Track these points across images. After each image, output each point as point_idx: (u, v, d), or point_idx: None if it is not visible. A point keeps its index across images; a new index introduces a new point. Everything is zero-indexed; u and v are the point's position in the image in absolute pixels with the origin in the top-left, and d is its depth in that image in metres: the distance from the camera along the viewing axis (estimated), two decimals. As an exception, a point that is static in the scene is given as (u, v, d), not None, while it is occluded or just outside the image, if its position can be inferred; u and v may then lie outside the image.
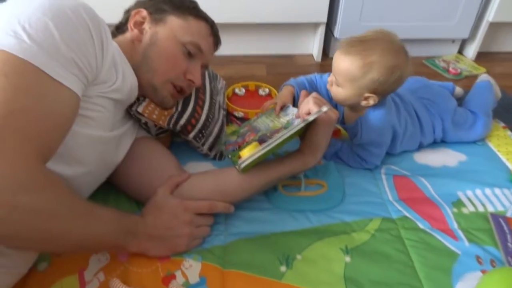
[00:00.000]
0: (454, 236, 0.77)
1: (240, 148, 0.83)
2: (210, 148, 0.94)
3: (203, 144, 0.93)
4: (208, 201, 0.74)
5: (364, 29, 0.86)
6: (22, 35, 0.49)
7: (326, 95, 0.95)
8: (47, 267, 0.68)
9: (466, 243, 0.76)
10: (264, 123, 0.89)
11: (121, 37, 0.80)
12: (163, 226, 0.69)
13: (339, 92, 0.85)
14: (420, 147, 1.00)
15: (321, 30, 1.50)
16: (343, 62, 0.81)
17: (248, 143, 0.83)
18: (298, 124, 0.71)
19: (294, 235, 0.76)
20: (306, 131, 0.78)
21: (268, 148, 0.69)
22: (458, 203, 0.85)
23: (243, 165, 0.69)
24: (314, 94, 0.78)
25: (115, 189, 0.82)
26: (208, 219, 0.75)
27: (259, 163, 0.76)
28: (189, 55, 0.79)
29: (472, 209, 0.83)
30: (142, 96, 0.82)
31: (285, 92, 0.97)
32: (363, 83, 0.80)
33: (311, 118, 0.71)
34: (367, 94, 0.82)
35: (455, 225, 0.80)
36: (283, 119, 0.85)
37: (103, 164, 0.73)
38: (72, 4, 0.55)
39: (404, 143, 0.96)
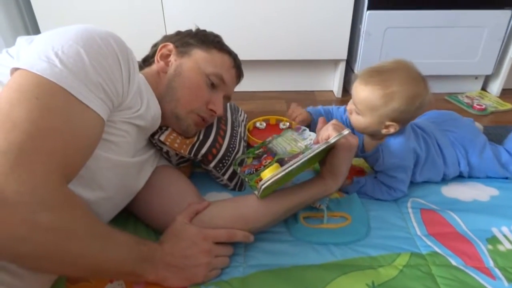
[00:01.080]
0: (491, 275, 0.71)
1: (258, 171, 0.82)
2: (230, 179, 0.93)
3: (223, 174, 0.92)
4: (227, 229, 0.72)
5: None
6: (55, 60, 0.52)
7: (344, 124, 0.94)
8: (62, 295, 0.67)
9: (505, 283, 0.69)
10: (280, 145, 0.88)
11: (147, 69, 0.83)
12: (181, 254, 0.67)
13: (359, 120, 0.85)
14: (445, 179, 0.97)
15: (342, 67, 1.53)
16: (363, 92, 0.81)
17: (266, 167, 0.82)
18: (319, 146, 0.70)
19: (316, 269, 0.72)
20: (326, 156, 0.77)
21: (290, 169, 0.68)
22: (493, 240, 0.79)
23: (264, 186, 0.67)
24: (333, 121, 0.77)
25: (134, 217, 0.82)
26: (227, 249, 0.73)
27: (278, 189, 0.75)
28: (212, 86, 0.81)
29: (509, 246, 0.78)
30: (165, 126, 0.83)
31: (304, 112, 0.98)
32: (384, 112, 0.80)
33: (332, 140, 0.70)
34: (388, 123, 0.82)
35: (491, 263, 0.74)
36: (301, 144, 0.84)
37: (123, 190, 0.73)
38: (103, 33, 0.59)
39: (425, 170, 0.93)
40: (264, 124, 1.28)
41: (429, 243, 0.79)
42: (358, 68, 1.49)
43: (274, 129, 1.27)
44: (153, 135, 0.82)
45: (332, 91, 1.63)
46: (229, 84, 0.85)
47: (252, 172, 0.82)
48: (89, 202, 0.64)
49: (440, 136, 0.96)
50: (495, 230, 0.82)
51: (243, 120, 1.17)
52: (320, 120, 0.81)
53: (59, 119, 0.51)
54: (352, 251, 0.77)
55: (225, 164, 0.92)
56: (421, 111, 0.83)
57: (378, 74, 0.81)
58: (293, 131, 0.91)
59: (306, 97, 1.57)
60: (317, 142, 0.78)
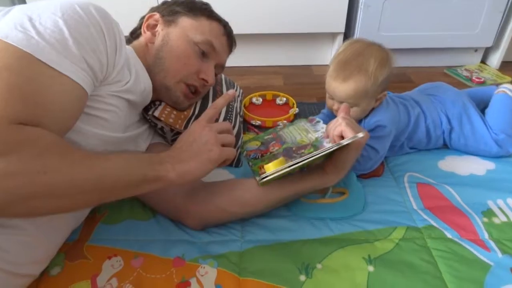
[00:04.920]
0: (485, 247, 0.72)
1: (263, 157, 0.81)
2: (227, 155, 0.92)
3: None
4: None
5: (382, 39, 0.90)
6: (31, 31, 0.49)
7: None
8: (59, 272, 0.67)
9: (499, 254, 0.70)
10: (290, 134, 0.87)
11: (135, 42, 0.81)
12: (186, 143, 0.63)
13: (354, 112, 0.86)
14: (430, 144, 0.97)
15: (339, 40, 1.49)
16: (348, 87, 0.82)
17: (272, 154, 0.81)
18: (330, 147, 0.68)
19: (313, 243, 0.73)
20: (333, 151, 0.76)
21: (295, 166, 0.67)
22: (488, 213, 0.80)
23: (265, 179, 0.67)
24: (345, 115, 0.75)
25: (130, 197, 0.81)
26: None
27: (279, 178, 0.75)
28: (203, 55, 0.79)
29: (504, 219, 0.78)
30: (158, 100, 0.82)
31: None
32: (375, 89, 0.83)
33: (345, 142, 0.68)
34: (380, 95, 0.86)
35: (486, 235, 0.74)
36: (312, 135, 0.83)
37: None
38: (85, 4, 0.56)
39: (411, 135, 0.94)
40: (261, 100, 1.26)
41: (425, 216, 0.79)
42: (356, 41, 1.45)
43: (270, 104, 1.26)
44: (146, 111, 0.81)
45: (329, 65, 1.60)
46: (220, 52, 0.82)
47: (257, 157, 0.81)
48: None
49: (420, 98, 0.98)
50: (490, 203, 0.82)
51: (238, 95, 1.15)
52: (343, 107, 0.77)
53: (24, 79, 0.47)
54: (349, 226, 0.77)
55: (221, 140, 0.91)
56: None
57: (351, 63, 0.82)
58: (307, 121, 0.90)
59: (303, 72, 1.54)
60: (327, 136, 0.76)
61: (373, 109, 0.89)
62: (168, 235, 0.75)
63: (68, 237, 0.69)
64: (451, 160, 0.96)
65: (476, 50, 1.57)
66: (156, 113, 0.80)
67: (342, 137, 0.71)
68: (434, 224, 0.77)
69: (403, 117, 0.93)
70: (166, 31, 0.78)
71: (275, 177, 0.68)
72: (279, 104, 1.25)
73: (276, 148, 0.83)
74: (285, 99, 1.26)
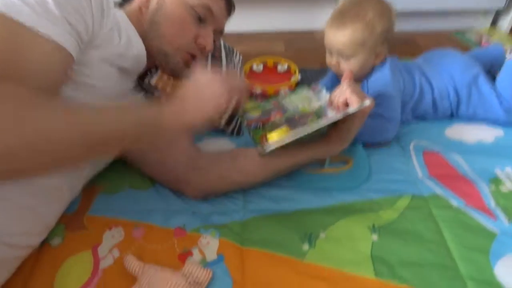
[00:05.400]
0: (491, 215, 0.71)
1: (264, 126, 0.78)
2: (228, 123, 0.90)
3: (219, 118, 0.88)
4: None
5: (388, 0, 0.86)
6: None
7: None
8: (60, 243, 0.66)
9: (506, 222, 0.69)
10: (293, 103, 0.83)
11: (128, 7, 0.76)
12: (189, 90, 0.58)
13: (351, 64, 0.84)
14: (437, 114, 0.94)
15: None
16: (344, 35, 0.81)
17: (274, 123, 0.78)
18: (336, 116, 0.65)
19: (317, 213, 0.72)
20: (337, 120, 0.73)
21: (299, 136, 0.64)
22: (495, 181, 0.78)
23: (269, 150, 0.64)
24: (349, 82, 0.71)
25: (130, 168, 0.79)
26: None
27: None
28: (200, 20, 0.74)
29: (511, 187, 0.77)
30: (154, 67, 0.78)
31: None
32: (373, 41, 0.82)
33: (351, 111, 0.65)
34: (379, 49, 0.84)
35: (493, 204, 0.73)
36: (315, 104, 0.80)
37: None
38: None
39: (417, 105, 0.92)
40: (261, 67, 1.21)
41: (430, 185, 0.77)
42: (361, 4, 1.39)
43: (271, 71, 1.22)
44: (142, 78, 0.77)
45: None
46: (219, 17, 0.77)
47: (258, 126, 0.79)
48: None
49: (426, 68, 0.94)
50: (498, 171, 0.80)
51: (238, 62, 1.10)
52: (346, 72, 0.74)
53: (1, 40, 0.44)
54: (353, 195, 0.75)
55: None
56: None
57: (348, 12, 0.82)
58: (309, 89, 0.86)
59: (305, 37, 1.48)
60: (330, 105, 0.73)
61: (373, 69, 0.87)
62: (168, 205, 0.74)
63: (66, 208, 0.68)
64: (459, 127, 0.93)
65: (486, 12, 1.49)
66: (152, 81, 0.77)
67: (347, 105, 0.68)
68: (440, 193, 0.75)
69: (407, 85, 0.89)
70: None
71: (278, 147, 0.66)
72: (280, 71, 1.21)
73: (278, 117, 0.80)
74: (286, 65, 1.21)
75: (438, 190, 0.76)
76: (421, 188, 0.77)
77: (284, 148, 0.71)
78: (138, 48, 0.70)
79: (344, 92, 0.69)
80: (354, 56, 0.83)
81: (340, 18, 0.82)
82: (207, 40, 0.76)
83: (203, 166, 0.72)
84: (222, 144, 0.89)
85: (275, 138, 0.65)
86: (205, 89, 0.58)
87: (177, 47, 0.73)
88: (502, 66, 0.97)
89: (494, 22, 1.54)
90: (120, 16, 0.68)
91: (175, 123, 0.55)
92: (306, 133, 0.64)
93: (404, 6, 1.37)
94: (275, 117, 0.81)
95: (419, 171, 0.81)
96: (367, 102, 0.65)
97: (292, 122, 0.76)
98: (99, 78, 0.61)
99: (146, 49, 0.72)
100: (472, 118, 0.94)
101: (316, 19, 1.53)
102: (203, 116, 0.57)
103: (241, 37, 1.45)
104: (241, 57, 1.16)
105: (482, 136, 0.90)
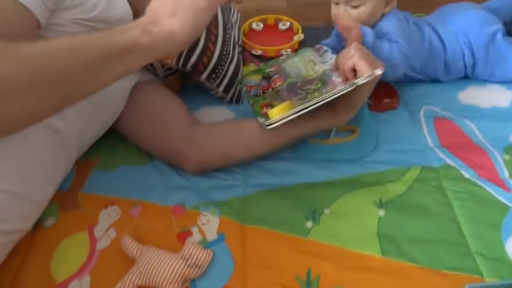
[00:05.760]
0: (505, 187, 0.68)
1: (265, 94, 0.73)
2: (226, 90, 0.84)
3: (218, 86, 0.83)
4: None
5: None
6: None
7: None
8: (54, 224, 0.64)
9: (519, 194, 0.66)
10: (295, 66, 0.77)
11: None
12: (160, 2, 0.50)
13: (361, 13, 0.75)
14: (450, 74, 0.87)
15: (350, -50, 1.29)
16: None
17: (275, 90, 0.72)
18: (343, 88, 0.59)
19: (321, 187, 0.69)
20: None
21: (303, 112, 0.59)
22: (509, 149, 0.74)
23: (270, 127, 0.59)
24: (357, 45, 0.64)
25: (124, 141, 0.75)
26: None
27: None
28: None
29: (527, 155, 0.73)
30: None
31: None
32: None
33: (360, 81, 0.59)
34: None
35: (506, 174, 0.69)
36: (319, 67, 0.73)
37: (99, 109, 0.65)
38: None
39: (426, 60, 0.84)
40: (261, 25, 1.13)
41: (441, 155, 0.73)
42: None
43: (272, 30, 1.13)
44: None
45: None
46: None
47: (258, 94, 0.73)
48: (65, 132, 0.57)
49: (439, 25, 0.86)
50: (512, 138, 0.76)
51: (236, 21, 1.02)
52: (355, 33, 0.67)
53: None
54: (359, 167, 0.72)
55: (219, 74, 0.82)
56: None
57: None
58: (313, 51, 0.79)
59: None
60: (336, 69, 0.67)
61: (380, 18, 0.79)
62: (167, 181, 0.71)
63: (59, 184, 0.65)
64: (473, 90, 0.87)
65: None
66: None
67: (354, 71, 0.62)
68: (451, 163, 0.71)
69: (415, 37, 0.81)
70: None
71: (280, 123, 0.61)
72: (282, 30, 1.12)
73: (279, 83, 0.74)
74: (288, 23, 1.12)
75: (450, 161, 0.72)
76: (431, 159, 0.73)
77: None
78: (122, 9, 0.63)
79: (352, 57, 0.62)
80: (363, 4, 0.74)
81: None
82: None
83: (200, 141, 0.68)
84: (221, 113, 0.85)
85: (276, 114, 0.61)
86: None
87: None
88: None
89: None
90: None
91: (157, 37, 0.47)
92: (310, 109, 0.59)
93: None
94: (276, 83, 0.75)
95: (430, 140, 0.77)
96: (378, 71, 0.59)
97: (294, 88, 0.71)
98: None
99: (133, 10, 0.65)
100: (488, 79, 0.87)
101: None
102: (190, 28, 0.49)
103: (238, -9, 1.34)
104: (239, 15, 1.07)
105: (497, 100, 0.84)
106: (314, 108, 0.62)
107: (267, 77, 0.78)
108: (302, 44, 1.06)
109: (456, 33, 0.85)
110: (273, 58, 1.01)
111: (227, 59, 0.84)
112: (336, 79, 0.68)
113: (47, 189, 0.60)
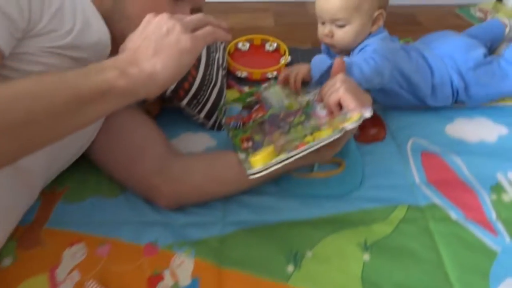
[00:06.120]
0: (492, 230, 0.65)
1: (245, 126, 0.69)
2: (208, 116, 0.80)
3: (199, 112, 0.79)
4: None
5: None
6: None
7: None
8: (12, 263, 0.58)
9: (507, 239, 0.64)
10: (277, 96, 0.73)
11: None
12: (140, 40, 0.46)
13: (348, 32, 0.75)
14: (437, 99, 0.86)
15: (340, -28, 1.28)
16: None
17: (255, 123, 0.69)
18: (331, 136, 0.55)
19: (304, 226, 0.65)
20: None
21: (288, 161, 0.55)
22: (497, 188, 0.72)
23: (252, 177, 0.55)
24: (342, 77, 0.61)
25: (96, 169, 0.70)
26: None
27: None
28: None
29: (513, 195, 0.71)
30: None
31: (303, 66, 0.76)
32: (369, 4, 0.73)
33: (350, 127, 0.55)
34: (376, 13, 0.75)
35: (494, 216, 0.67)
36: (302, 98, 0.70)
37: (68, 139, 0.60)
38: None
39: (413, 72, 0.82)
40: (248, 45, 1.10)
41: (428, 193, 0.71)
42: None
43: (258, 51, 1.10)
44: None
45: None
46: None
47: (238, 126, 0.69)
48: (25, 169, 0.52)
49: (426, 51, 0.86)
50: (500, 176, 0.74)
51: (222, 42, 0.99)
52: (337, 62, 0.64)
53: None
54: (343, 204, 0.69)
55: (200, 100, 0.78)
56: None
57: None
58: None
59: (296, 10, 1.35)
60: (320, 100, 0.64)
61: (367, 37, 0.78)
62: (139, 216, 0.66)
63: (20, 219, 0.59)
64: (461, 123, 0.85)
65: (493, -14, 1.38)
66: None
67: (339, 105, 0.59)
68: (438, 203, 0.69)
69: (399, 54, 0.81)
70: None
71: (263, 173, 0.57)
72: (268, 51, 1.10)
73: (260, 114, 0.71)
74: (275, 44, 1.10)
75: (436, 200, 0.69)
76: (418, 197, 0.70)
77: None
78: (100, 34, 0.59)
79: (338, 91, 0.60)
80: (349, 23, 0.74)
81: None
82: None
83: (176, 174, 0.63)
84: (202, 139, 0.81)
85: (260, 162, 0.57)
86: (162, 34, 0.45)
87: None
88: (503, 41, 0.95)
89: (500, -3, 1.42)
90: None
91: (136, 79, 0.43)
92: (296, 158, 0.56)
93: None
94: (258, 114, 0.72)
95: (417, 176, 0.74)
96: (367, 113, 0.56)
97: (275, 121, 0.68)
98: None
99: (110, 32, 0.61)
100: (486, 99, 0.88)
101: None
102: (174, 70, 0.45)
103: (225, 7, 1.31)
104: (224, 35, 1.04)
105: (484, 134, 0.83)
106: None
107: (248, 107, 0.74)
108: (288, 67, 1.04)
109: (442, 57, 0.85)
110: (258, 81, 0.98)
111: (210, 84, 0.81)
112: (321, 111, 0.65)
113: (5, 227, 0.55)
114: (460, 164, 0.76)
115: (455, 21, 1.31)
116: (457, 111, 0.88)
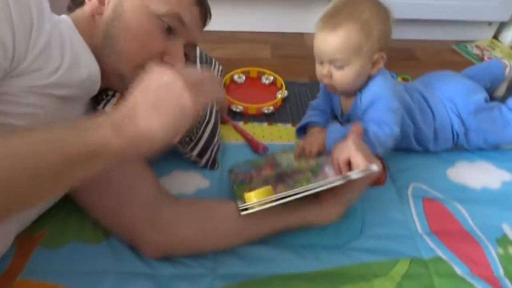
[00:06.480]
0: (499, 287, 0.61)
1: (251, 181, 0.66)
2: (201, 155, 0.77)
3: (191, 150, 0.75)
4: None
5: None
6: None
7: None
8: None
9: (515, 298, 0.60)
10: (288, 159, 0.73)
11: (79, 11, 0.61)
12: (140, 97, 0.42)
13: (346, 74, 0.72)
14: (438, 143, 0.83)
15: (338, 6, 1.28)
16: (336, 38, 0.69)
17: (262, 179, 0.66)
18: (333, 180, 0.53)
19: (300, 281, 0.60)
20: None
21: (285, 200, 0.52)
22: (503, 241, 0.68)
23: (245, 213, 0.52)
24: (354, 137, 0.61)
25: (78, 211, 0.65)
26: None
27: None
28: (169, 31, 0.59)
29: (520, 248, 0.67)
30: (109, 88, 0.64)
31: (318, 137, 0.75)
32: (370, 46, 0.70)
33: (354, 176, 0.53)
34: (376, 56, 0.72)
35: (501, 271, 0.63)
36: (312, 160, 0.68)
37: None
38: None
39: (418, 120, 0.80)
40: (244, 78, 1.08)
41: (431, 244, 0.67)
42: (357, 8, 1.25)
43: (255, 83, 1.08)
44: (97, 101, 0.63)
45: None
46: (191, 28, 0.62)
47: (245, 181, 0.66)
48: None
49: (427, 93, 0.83)
50: (505, 227, 0.71)
51: (217, 75, 0.96)
52: (354, 127, 0.64)
53: None
54: (342, 256, 0.64)
55: (193, 137, 0.75)
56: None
57: (341, 12, 0.70)
58: None
59: (294, 42, 1.34)
60: (330, 161, 0.61)
61: (369, 79, 0.75)
62: (122, 265, 0.61)
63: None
64: (462, 167, 0.83)
65: (490, 23, 1.39)
66: (108, 109, 0.63)
67: (349, 164, 0.57)
68: (442, 256, 0.65)
69: (407, 104, 0.78)
70: None
71: (258, 209, 0.53)
72: (265, 84, 1.08)
73: (268, 172, 0.68)
74: (272, 77, 1.07)
75: (440, 253, 0.66)
76: (420, 249, 0.66)
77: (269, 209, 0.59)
78: (89, 69, 0.56)
79: (348, 149, 0.58)
80: (348, 64, 0.71)
81: (332, 18, 0.70)
82: (177, 57, 0.61)
83: (165, 224, 0.59)
84: (193, 179, 0.77)
85: (253, 198, 0.53)
86: (162, 89, 0.42)
87: (136, 64, 0.58)
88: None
89: (496, 34, 1.43)
90: (66, 26, 0.54)
91: (131, 138, 0.40)
92: (293, 198, 0.52)
93: (406, 14, 1.25)
94: (265, 171, 0.69)
95: (419, 225, 0.71)
96: (374, 167, 0.53)
97: (282, 177, 0.66)
98: (24, 115, 0.47)
99: (100, 68, 0.58)
100: (485, 145, 0.85)
101: (307, 22, 1.38)
102: (166, 125, 0.41)
103: (222, 37, 1.30)
104: (221, 67, 1.02)
105: (488, 180, 0.80)
106: (299, 198, 0.55)
107: (258, 167, 0.72)
108: (285, 102, 1.01)
109: (442, 99, 0.83)
110: (254, 115, 0.95)
111: (203, 120, 0.77)
112: (329, 170, 0.63)
113: None
114: (463, 213, 0.73)
115: (452, 57, 1.30)
116: (457, 154, 0.85)
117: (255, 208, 0.52)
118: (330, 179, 0.54)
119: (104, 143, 0.39)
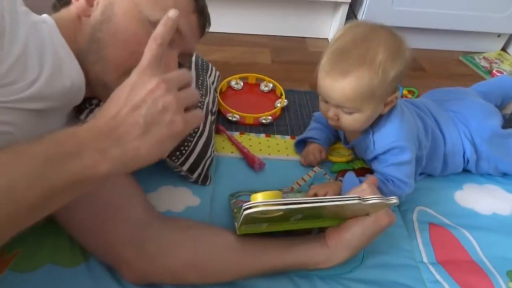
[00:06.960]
0: (511, 328, 0.57)
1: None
2: (192, 170, 0.71)
3: (181, 164, 0.70)
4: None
5: (395, 15, 0.72)
6: None
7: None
8: None
9: None
10: (297, 195, 0.71)
11: (64, 12, 0.55)
12: (126, 109, 0.37)
13: (356, 119, 0.65)
14: (447, 170, 0.79)
15: (343, 11, 1.23)
16: (347, 86, 0.61)
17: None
18: (348, 199, 0.49)
19: (294, 315, 0.55)
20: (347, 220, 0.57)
21: (294, 206, 0.47)
22: (514, 274, 0.64)
23: (247, 212, 0.46)
24: (372, 180, 0.62)
25: (54, 230, 0.60)
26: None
27: (262, 238, 0.56)
28: None
29: (533, 283, 0.63)
30: (94, 97, 0.59)
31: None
32: (384, 89, 0.63)
33: (370, 201, 0.49)
34: (390, 98, 0.65)
35: (512, 310, 0.59)
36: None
37: None
38: None
39: (427, 158, 0.75)
40: (241, 84, 1.02)
41: (437, 276, 0.62)
42: (363, 14, 1.20)
43: (253, 90, 1.02)
44: (79, 110, 0.58)
45: (327, 39, 1.35)
46: (188, 37, 0.56)
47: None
48: None
49: (439, 114, 0.78)
50: (516, 258, 0.66)
51: (213, 82, 0.91)
52: (370, 178, 0.63)
53: None
54: (339, 287, 0.59)
55: (184, 151, 0.69)
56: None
57: (350, 53, 0.61)
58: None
59: (295, 46, 1.29)
60: None
61: (380, 117, 0.69)
62: (100, 293, 0.56)
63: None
64: (470, 190, 0.78)
65: (499, 35, 1.34)
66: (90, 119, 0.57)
67: None
68: (449, 289, 0.60)
69: (421, 134, 0.73)
70: (109, 1, 0.52)
71: (262, 215, 0.48)
72: (263, 91, 1.02)
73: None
74: (271, 85, 1.02)
75: (447, 285, 0.61)
76: (425, 280, 0.61)
77: (264, 240, 0.54)
78: (73, 78, 0.51)
79: (363, 191, 0.55)
80: (359, 112, 0.64)
81: (340, 60, 0.61)
82: (170, 67, 0.55)
83: (152, 252, 0.53)
84: (182, 196, 0.71)
85: (259, 198, 0.49)
86: (153, 113, 0.38)
87: (122, 73, 0.52)
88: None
89: (505, 47, 1.38)
90: (47, 28, 0.49)
91: (117, 163, 0.37)
92: (305, 206, 0.47)
93: (414, 23, 1.20)
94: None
95: (424, 253, 0.66)
96: (394, 200, 0.50)
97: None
98: None
99: (85, 75, 0.53)
100: (494, 172, 0.80)
101: (310, 26, 1.33)
102: (155, 149, 0.38)
103: (221, 39, 1.24)
104: (218, 74, 0.96)
105: (497, 206, 0.75)
106: (307, 221, 0.51)
107: None
108: (284, 111, 0.96)
109: (456, 122, 0.77)
110: (251, 125, 0.90)
111: (196, 133, 0.72)
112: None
113: None
114: (472, 242, 0.68)
115: (460, 69, 1.26)
116: (465, 176, 0.80)
117: (259, 207, 0.47)
118: (345, 197, 0.50)
119: (90, 169, 0.36)
